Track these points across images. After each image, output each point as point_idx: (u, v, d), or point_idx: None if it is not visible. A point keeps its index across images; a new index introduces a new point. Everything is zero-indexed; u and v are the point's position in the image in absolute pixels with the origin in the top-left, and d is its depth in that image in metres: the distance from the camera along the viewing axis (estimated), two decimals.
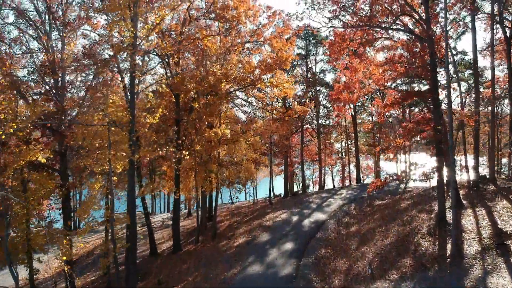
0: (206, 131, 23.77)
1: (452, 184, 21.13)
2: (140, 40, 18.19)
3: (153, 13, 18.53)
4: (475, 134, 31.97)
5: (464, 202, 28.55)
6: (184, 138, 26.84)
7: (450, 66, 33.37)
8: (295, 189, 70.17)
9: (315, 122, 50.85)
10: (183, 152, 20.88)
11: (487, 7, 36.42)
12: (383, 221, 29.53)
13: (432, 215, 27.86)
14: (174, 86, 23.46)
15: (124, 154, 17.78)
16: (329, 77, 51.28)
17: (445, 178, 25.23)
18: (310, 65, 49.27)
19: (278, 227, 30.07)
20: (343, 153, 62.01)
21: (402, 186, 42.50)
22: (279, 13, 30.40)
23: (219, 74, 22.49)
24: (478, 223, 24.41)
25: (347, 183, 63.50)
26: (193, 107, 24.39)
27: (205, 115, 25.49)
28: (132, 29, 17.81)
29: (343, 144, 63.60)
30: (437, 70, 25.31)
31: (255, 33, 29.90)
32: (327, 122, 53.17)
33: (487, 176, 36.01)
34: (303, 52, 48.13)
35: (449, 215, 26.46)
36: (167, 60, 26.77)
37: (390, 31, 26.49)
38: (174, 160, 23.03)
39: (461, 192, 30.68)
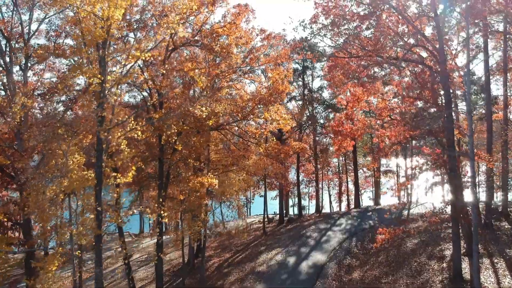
0: (191, 179, 20.80)
1: (474, 248, 18.28)
2: (110, 87, 15.14)
3: (125, 54, 15.46)
4: (488, 169, 29.25)
5: (479, 246, 25.83)
6: (167, 181, 23.85)
7: (458, 89, 30.75)
8: (291, 203, 67.45)
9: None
10: (162, 212, 17.94)
11: (498, 24, 33.82)
12: (389, 268, 26.72)
13: (444, 264, 25.10)
14: (155, 125, 20.47)
15: (90, 225, 14.77)
16: (326, 93, 48.18)
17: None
18: (306, 81, 46.33)
19: (273, 274, 27.15)
20: (340, 169, 59.12)
21: (405, 212, 39.75)
22: (274, 36, 27.42)
23: (205, 114, 19.47)
24: (499, 281, 21.68)
25: (344, 203, 60.77)
26: (176, 149, 21.42)
27: (190, 158, 22.52)
28: (100, 75, 14.73)
29: (341, 158, 60.84)
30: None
31: (247, 58, 26.89)
32: (324, 140, 50.37)
33: (499, 209, 33.42)
34: (300, 68, 45.14)
35: (464, 265, 23.76)
36: (148, 92, 23.81)
37: (398, 62, 23.62)
38: (153, 216, 20.09)
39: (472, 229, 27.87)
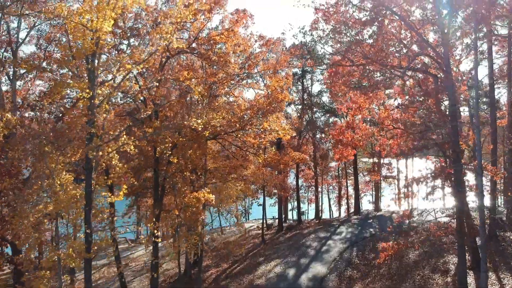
0: (187, 194, 20.00)
1: (482, 269, 17.52)
2: (99, 102, 14.28)
3: (116, 67, 14.62)
4: (492, 179, 28.44)
5: None
6: (163, 193, 23.08)
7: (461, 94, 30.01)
8: (290, 207, 66.61)
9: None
10: (156, 231, 17.17)
11: (500, 28, 33.17)
12: (391, 281, 25.93)
13: (449, 279, 24.36)
14: (150, 137, 19.65)
15: (80, 248, 13.95)
16: (326, 97, 47.27)
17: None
18: (306, 85, 45.49)
19: (272, 287, 26.37)
20: (340, 173, 58.27)
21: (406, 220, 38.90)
22: (274, 43, 26.63)
23: (201, 126, 18.64)
24: None
25: (344, 206, 60.04)
26: (171, 162, 20.60)
27: (186, 170, 21.72)
28: (88, 90, 13.88)
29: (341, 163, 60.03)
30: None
31: (246, 64, 26.10)
32: (324, 145, 49.59)
33: (503, 218, 32.71)
34: (299, 72, 44.29)
35: (469, 279, 23.02)
36: (143, 100, 22.98)
37: (403, 71, 22.83)
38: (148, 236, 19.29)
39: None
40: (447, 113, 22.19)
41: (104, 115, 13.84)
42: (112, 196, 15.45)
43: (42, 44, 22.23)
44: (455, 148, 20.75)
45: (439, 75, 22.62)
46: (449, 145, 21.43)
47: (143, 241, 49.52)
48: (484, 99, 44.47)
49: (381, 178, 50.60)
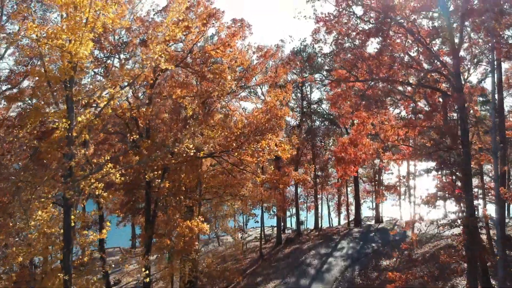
0: (179, 222, 18.53)
1: None
2: (77, 135, 12.79)
3: (98, 93, 13.15)
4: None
5: (493, 283, 23.70)
6: (154, 217, 21.64)
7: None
8: (288, 214, 65.14)
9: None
10: (144, 262, 15.79)
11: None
12: None
13: None
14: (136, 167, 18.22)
15: None
16: (326, 104, 45.85)
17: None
18: (305, 93, 43.98)
19: None
20: (342, 189, 56.77)
21: (409, 233, 37.58)
22: (272, 54, 25.17)
23: (193, 151, 17.18)
24: None
25: (344, 213, 58.69)
26: (162, 187, 19.13)
27: (179, 194, 20.29)
28: (65, 119, 12.40)
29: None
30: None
31: (243, 77, 24.67)
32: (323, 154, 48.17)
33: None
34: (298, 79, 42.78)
35: None
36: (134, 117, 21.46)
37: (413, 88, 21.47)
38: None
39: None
40: (458, 132, 20.85)
41: (83, 151, 12.34)
42: (94, 234, 13.99)
43: (21, 62, 20.69)
44: (467, 171, 19.37)
45: (448, 91, 21.26)
46: (460, 169, 20.03)
47: (139, 252, 48.01)
48: (487, 107, 43.28)
49: (382, 188, 49.23)
